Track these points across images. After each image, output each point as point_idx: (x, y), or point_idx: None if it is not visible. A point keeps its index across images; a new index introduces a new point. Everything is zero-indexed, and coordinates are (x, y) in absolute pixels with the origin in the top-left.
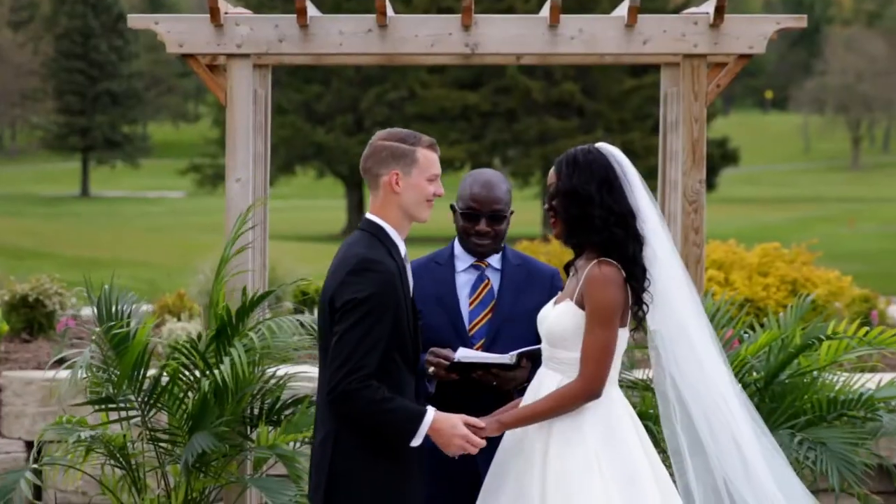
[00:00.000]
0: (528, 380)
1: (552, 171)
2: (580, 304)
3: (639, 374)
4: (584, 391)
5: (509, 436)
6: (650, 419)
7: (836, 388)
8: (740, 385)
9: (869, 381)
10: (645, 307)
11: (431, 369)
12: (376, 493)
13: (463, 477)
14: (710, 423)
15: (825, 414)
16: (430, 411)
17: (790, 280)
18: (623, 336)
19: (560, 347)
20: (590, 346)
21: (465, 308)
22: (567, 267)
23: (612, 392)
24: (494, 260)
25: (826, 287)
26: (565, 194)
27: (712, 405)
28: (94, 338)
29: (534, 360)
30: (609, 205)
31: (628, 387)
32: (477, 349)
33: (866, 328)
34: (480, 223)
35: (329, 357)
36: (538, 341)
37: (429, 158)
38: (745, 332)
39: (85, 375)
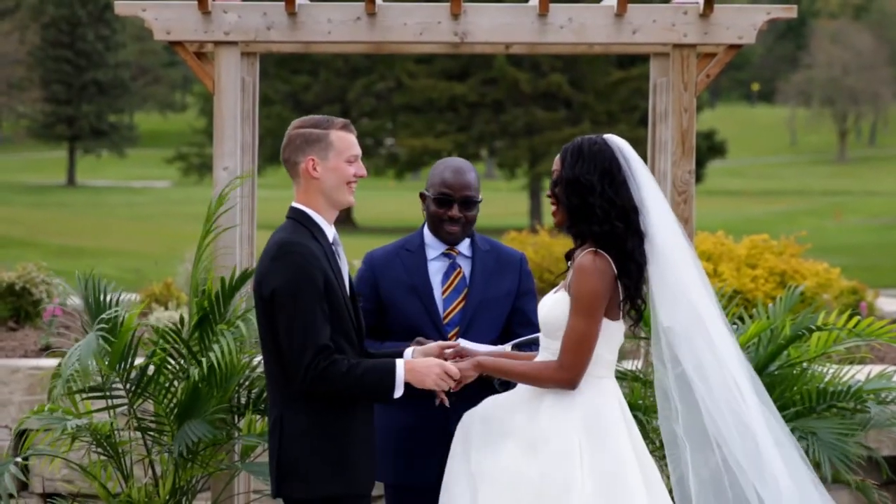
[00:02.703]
0: None
1: (557, 158)
2: (570, 293)
3: (627, 364)
4: (559, 378)
5: (490, 408)
6: (639, 409)
7: (826, 379)
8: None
9: (858, 373)
10: (641, 304)
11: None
12: (329, 472)
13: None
14: (724, 415)
15: (815, 405)
16: (400, 361)
17: (779, 272)
18: (618, 329)
19: (554, 338)
20: (569, 334)
21: (438, 296)
22: (567, 257)
23: (606, 384)
24: (464, 247)
25: (815, 279)
26: (567, 182)
27: (728, 397)
28: (83, 326)
29: (521, 349)
30: (610, 197)
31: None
32: (451, 337)
33: (856, 318)
34: (453, 209)
35: (283, 348)
36: (509, 326)
37: (344, 140)
38: (734, 324)
39: (72, 364)
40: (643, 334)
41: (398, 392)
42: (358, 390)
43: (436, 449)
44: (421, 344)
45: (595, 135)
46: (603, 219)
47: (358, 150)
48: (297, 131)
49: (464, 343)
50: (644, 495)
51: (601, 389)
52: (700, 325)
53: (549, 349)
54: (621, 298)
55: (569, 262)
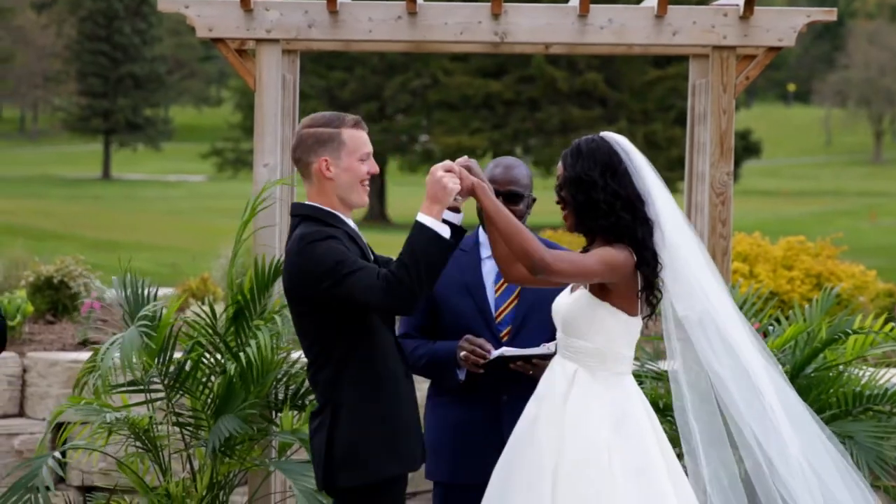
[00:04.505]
0: None
1: (559, 164)
2: (593, 292)
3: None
4: (539, 258)
5: (523, 423)
6: (660, 407)
7: (862, 382)
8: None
9: (895, 377)
10: (658, 293)
11: (462, 354)
12: (385, 455)
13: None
14: (738, 405)
15: (851, 408)
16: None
17: (815, 273)
18: (636, 325)
19: (574, 336)
20: (576, 259)
21: (491, 295)
22: None
23: (626, 382)
24: None
25: (851, 281)
26: (571, 182)
27: (743, 386)
28: (124, 320)
29: None
30: (614, 189)
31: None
32: (504, 336)
33: (893, 324)
34: None
35: (351, 293)
36: None
37: (356, 138)
38: (771, 325)
39: (111, 358)
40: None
41: (441, 230)
42: (426, 261)
43: (487, 448)
44: (471, 343)
45: (592, 134)
46: (608, 211)
47: (370, 148)
48: (307, 130)
49: (506, 349)
50: (672, 491)
51: (623, 386)
52: (713, 313)
53: (568, 347)
54: (640, 288)
55: None
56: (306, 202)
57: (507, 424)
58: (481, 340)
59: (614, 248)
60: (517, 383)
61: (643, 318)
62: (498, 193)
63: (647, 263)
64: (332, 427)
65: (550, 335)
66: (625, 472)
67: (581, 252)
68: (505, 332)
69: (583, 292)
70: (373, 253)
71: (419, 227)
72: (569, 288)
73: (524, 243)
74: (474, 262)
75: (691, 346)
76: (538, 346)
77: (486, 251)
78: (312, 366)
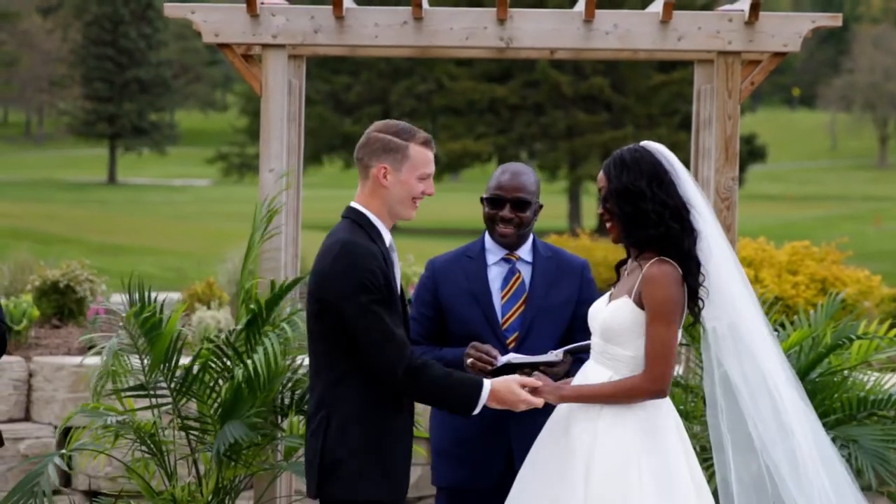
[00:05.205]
0: (568, 374)
1: (601, 174)
2: (638, 303)
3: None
4: (649, 389)
5: (547, 432)
6: (680, 415)
7: (867, 387)
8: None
9: None
10: (701, 302)
11: (469, 361)
12: (373, 476)
13: (495, 458)
14: (762, 416)
15: (855, 413)
16: (487, 382)
17: (819, 279)
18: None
19: (614, 343)
20: (654, 344)
21: (497, 301)
22: (618, 267)
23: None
24: (525, 252)
25: (856, 286)
26: (617, 194)
27: (767, 397)
28: (121, 324)
29: (573, 355)
30: (662, 199)
31: None
32: (511, 342)
33: None
34: (504, 209)
35: (365, 349)
36: (570, 333)
37: (421, 155)
38: (776, 330)
39: (111, 362)
40: (684, 340)
41: (477, 409)
42: (444, 397)
43: (492, 454)
44: (477, 350)
45: (632, 144)
46: (658, 221)
47: (432, 169)
48: (377, 135)
49: (514, 356)
50: (694, 502)
51: (657, 403)
52: (742, 326)
53: (605, 353)
54: (686, 302)
55: (619, 274)
56: (357, 205)
57: (514, 430)
58: (488, 347)
59: (662, 277)
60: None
61: (687, 328)
62: (505, 200)
63: (692, 273)
64: (325, 438)
65: (557, 342)
66: (652, 483)
67: (622, 285)
68: (511, 338)
69: (626, 301)
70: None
71: (474, 387)
72: (607, 295)
73: (634, 397)
74: (480, 268)
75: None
76: (545, 353)
77: (492, 257)
78: (312, 367)
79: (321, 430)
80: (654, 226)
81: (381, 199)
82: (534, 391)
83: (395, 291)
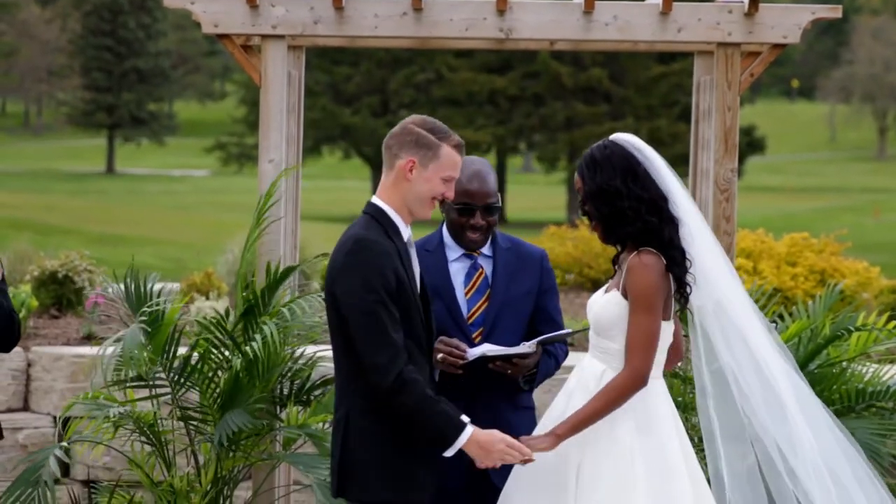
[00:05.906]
0: (536, 366)
1: (576, 176)
2: (625, 295)
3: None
4: (630, 381)
5: (553, 413)
6: (678, 406)
7: (866, 379)
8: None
9: None
10: (688, 288)
11: (440, 356)
12: (387, 479)
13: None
14: (752, 395)
15: (854, 404)
16: (470, 427)
17: (818, 270)
18: (667, 330)
19: (605, 337)
20: (634, 334)
21: (461, 296)
22: (613, 262)
23: (655, 386)
24: (485, 246)
25: (854, 278)
26: (593, 196)
27: (757, 375)
28: (120, 316)
29: (544, 346)
30: (637, 193)
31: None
32: (476, 337)
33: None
34: (475, 216)
35: (358, 349)
36: (532, 325)
37: (451, 157)
38: (774, 322)
39: (132, 349)
40: (683, 332)
41: (450, 453)
42: (423, 422)
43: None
44: (445, 344)
45: (602, 140)
46: (634, 217)
47: (457, 174)
48: (413, 127)
49: (488, 347)
50: (692, 497)
51: (650, 390)
52: (728, 304)
53: (598, 347)
54: (673, 290)
55: (615, 268)
56: (377, 200)
57: (485, 425)
58: (456, 341)
59: (641, 267)
60: (492, 381)
61: (676, 313)
62: (475, 208)
63: (677, 263)
64: (344, 437)
65: (523, 335)
66: (647, 475)
67: (616, 278)
68: (477, 333)
69: (615, 294)
70: (421, 279)
71: (455, 428)
72: (603, 288)
73: (620, 398)
74: (440, 263)
75: (709, 340)
76: (511, 346)
77: (452, 253)
78: (334, 360)
79: (340, 428)
80: (631, 222)
81: (401, 193)
82: (532, 447)
83: (409, 290)
